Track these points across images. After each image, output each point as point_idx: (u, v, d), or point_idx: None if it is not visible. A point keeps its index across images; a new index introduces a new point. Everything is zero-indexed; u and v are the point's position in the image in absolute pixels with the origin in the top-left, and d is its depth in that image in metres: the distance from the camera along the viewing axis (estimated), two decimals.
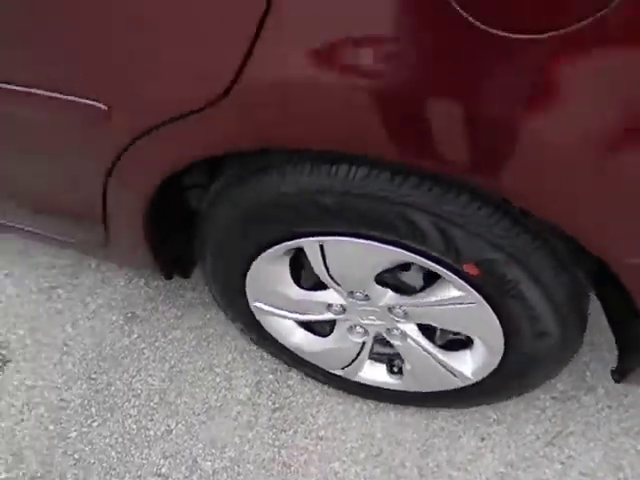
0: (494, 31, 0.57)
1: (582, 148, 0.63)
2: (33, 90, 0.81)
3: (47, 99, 0.82)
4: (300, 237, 0.97)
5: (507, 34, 0.56)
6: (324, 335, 1.28)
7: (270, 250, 1.02)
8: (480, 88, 0.62)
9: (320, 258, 1.01)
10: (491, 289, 0.92)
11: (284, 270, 1.12)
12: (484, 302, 0.95)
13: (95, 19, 0.70)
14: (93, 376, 1.51)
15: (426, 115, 0.66)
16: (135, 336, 1.59)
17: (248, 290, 1.17)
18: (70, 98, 0.81)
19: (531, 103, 0.62)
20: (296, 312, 1.21)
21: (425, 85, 0.64)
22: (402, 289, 1.06)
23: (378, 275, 1.02)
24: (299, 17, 0.62)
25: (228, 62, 0.68)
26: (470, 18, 0.57)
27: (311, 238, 0.96)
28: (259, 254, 1.04)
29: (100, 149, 0.89)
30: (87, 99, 0.80)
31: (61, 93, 0.81)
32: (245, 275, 1.12)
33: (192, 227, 1.14)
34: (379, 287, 1.05)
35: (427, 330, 1.15)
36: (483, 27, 0.57)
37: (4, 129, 0.92)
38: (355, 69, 0.65)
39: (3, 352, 1.55)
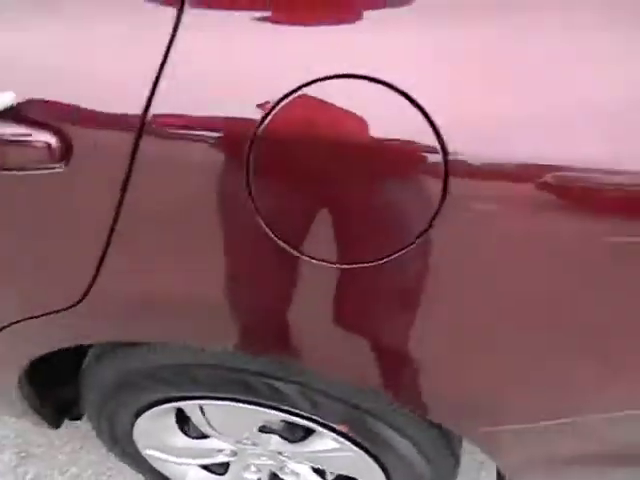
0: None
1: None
2: None
3: None
4: (178, 401, 0.98)
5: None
6: (220, 473, 1.27)
7: (151, 411, 1.02)
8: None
9: (201, 416, 1.02)
10: (363, 441, 0.96)
11: (170, 422, 1.11)
12: (360, 452, 0.98)
13: None
14: None
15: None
16: (30, 477, 1.51)
17: (136, 440, 1.15)
18: None
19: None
20: (187, 457, 1.20)
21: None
22: (286, 436, 1.08)
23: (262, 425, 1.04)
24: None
25: (81, 281, 0.72)
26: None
27: (189, 402, 0.98)
28: (140, 415, 1.04)
29: None
30: None
31: None
32: (132, 428, 1.11)
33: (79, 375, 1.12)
34: (264, 435, 1.07)
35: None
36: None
37: None
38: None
39: None
